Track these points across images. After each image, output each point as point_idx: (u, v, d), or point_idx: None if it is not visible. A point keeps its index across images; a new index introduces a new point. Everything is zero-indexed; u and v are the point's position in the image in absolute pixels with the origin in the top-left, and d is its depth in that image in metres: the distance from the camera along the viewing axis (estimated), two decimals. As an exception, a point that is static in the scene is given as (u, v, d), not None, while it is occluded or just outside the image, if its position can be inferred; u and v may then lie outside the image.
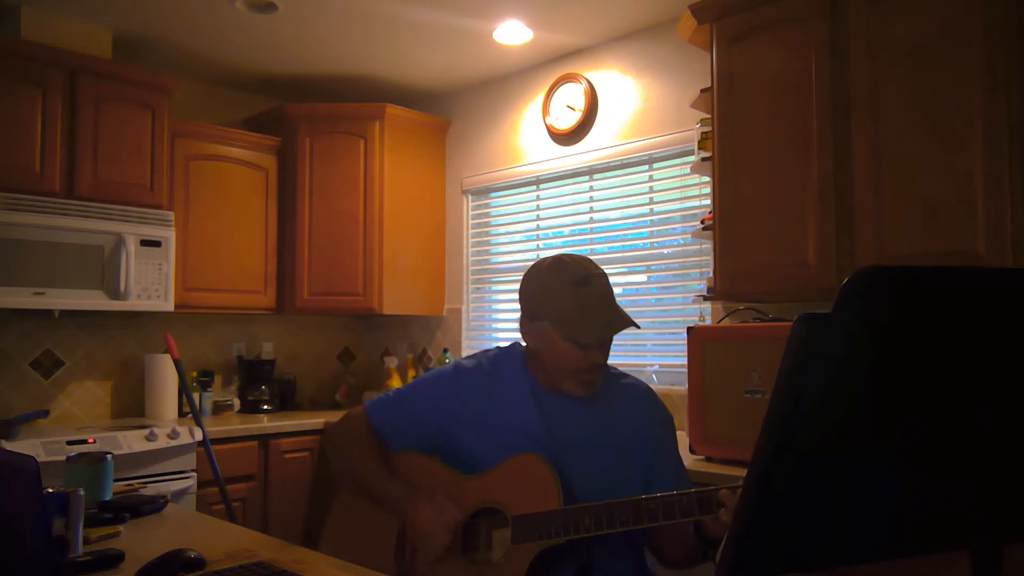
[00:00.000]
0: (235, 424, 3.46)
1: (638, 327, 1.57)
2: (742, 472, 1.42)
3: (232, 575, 1.27)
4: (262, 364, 3.96)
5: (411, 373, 4.08)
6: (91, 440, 2.89)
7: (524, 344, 1.70)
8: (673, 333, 3.22)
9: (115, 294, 3.21)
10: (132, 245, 3.24)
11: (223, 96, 4.11)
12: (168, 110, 3.44)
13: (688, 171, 3.09)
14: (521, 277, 1.68)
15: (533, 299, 1.61)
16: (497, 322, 4.03)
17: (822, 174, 2.42)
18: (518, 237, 3.93)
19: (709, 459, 2.46)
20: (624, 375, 1.72)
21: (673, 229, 3.30)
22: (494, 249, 4.06)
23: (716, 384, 2.43)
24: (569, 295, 1.54)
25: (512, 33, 3.39)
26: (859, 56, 2.35)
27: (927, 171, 2.22)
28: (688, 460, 2.39)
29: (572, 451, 1.57)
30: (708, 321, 2.99)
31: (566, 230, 3.73)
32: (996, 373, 0.76)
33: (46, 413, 3.30)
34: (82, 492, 1.37)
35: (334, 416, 3.60)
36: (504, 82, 3.95)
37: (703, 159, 2.83)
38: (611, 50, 3.50)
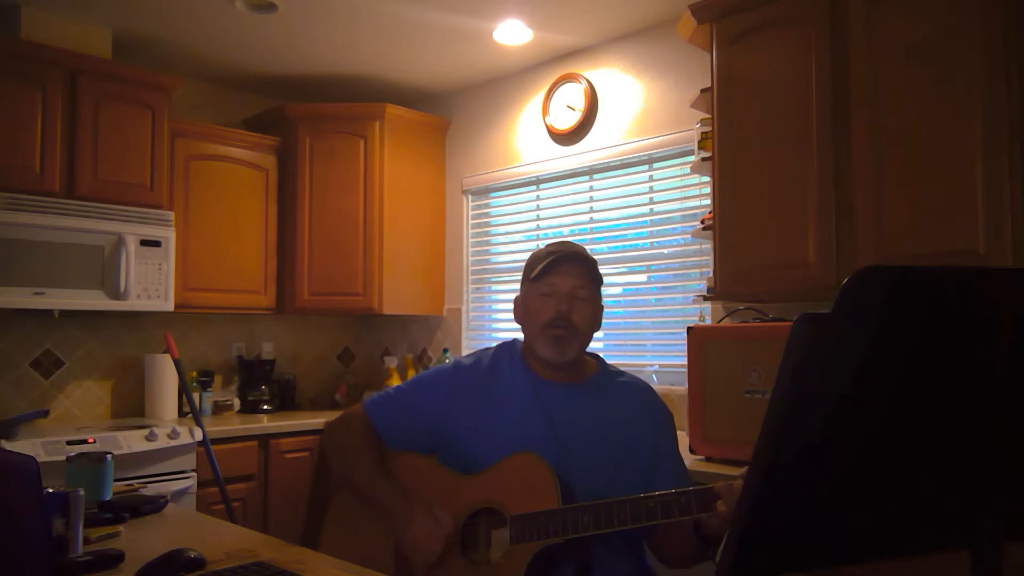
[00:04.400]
0: (235, 424, 3.45)
1: (591, 259, 1.65)
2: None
3: (232, 575, 1.27)
4: (262, 364, 3.96)
5: (411, 373, 4.07)
6: (91, 440, 2.88)
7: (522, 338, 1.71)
8: (673, 333, 3.22)
9: (115, 294, 3.21)
10: (132, 245, 3.24)
11: (223, 96, 4.11)
12: (168, 110, 3.44)
13: (688, 171, 3.09)
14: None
15: (523, 274, 1.71)
16: (497, 322, 4.03)
17: (822, 174, 2.42)
18: (518, 237, 3.93)
19: (709, 459, 2.46)
20: (622, 372, 1.73)
21: (673, 229, 3.30)
22: (494, 249, 4.06)
23: (716, 384, 2.43)
24: (543, 255, 1.65)
25: (512, 33, 3.39)
26: (859, 56, 2.35)
27: (927, 171, 2.22)
28: (688, 460, 2.39)
29: (572, 448, 1.57)
30: (708, 321, 2.99)
31: (566, 230, 3.73)
32: (995, 373, 0.76)
33: (46, 413, 3.30)
34: (82, 492, 1.37)
35: (334, 416, 3.58)
36: (504, 82, 3.95)
37: (703, 159, 2.83)
38: (611, 50, 3.50)
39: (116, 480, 1.84)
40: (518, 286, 1.73)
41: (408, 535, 1.51)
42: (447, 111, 4.24)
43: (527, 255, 4.13)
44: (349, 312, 4.07)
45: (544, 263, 1.62)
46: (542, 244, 3.73)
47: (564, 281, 1.61)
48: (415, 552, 1.50)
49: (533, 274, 1.64)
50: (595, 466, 1.56)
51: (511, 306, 1.75)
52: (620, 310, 3.39)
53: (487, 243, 4.10)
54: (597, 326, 1.67)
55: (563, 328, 1.60)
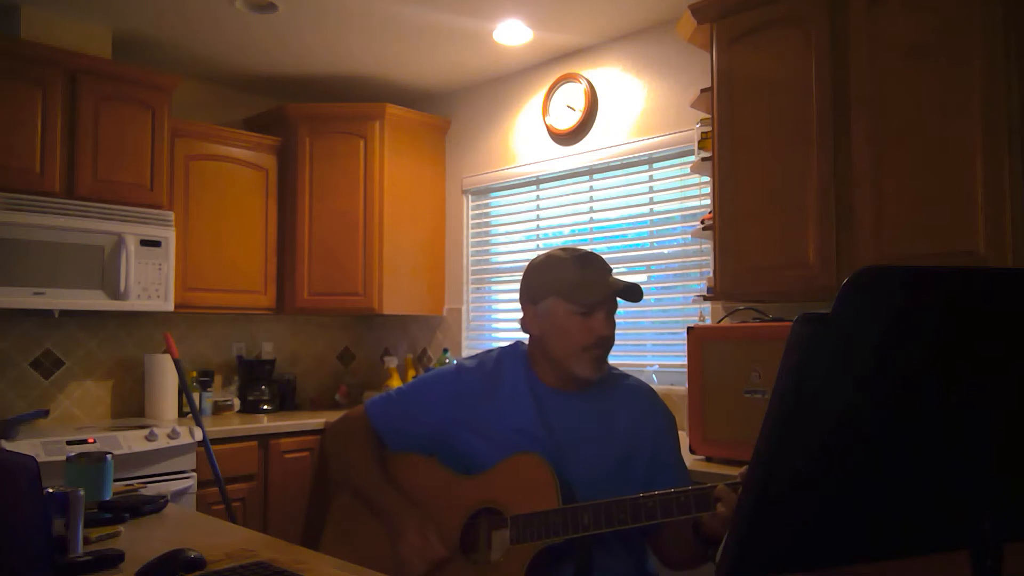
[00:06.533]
0: (235, 424, 3.45)
1: (641, 293, 1.59)
2: (742, 472, 1.42)
3: (232, 575, 1.27)
4: (262, 364, 3.96)
5: (411, 373, 4.07)
6: (91, 440, 2.88)
7: (526, 343, 1.71)
8: (673, 333, 3.22)
9: (115, 294, 3.20)
10: (132, 245, 3.24)
11: (223, 96, 4.11)
12: (168, 110, 3.44)
13: (688, 171, 3.09)
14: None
15: (536, 283, 1.64)
16: (497, 322, 4.03)
17: (822, 174, 2.42)
18: (518, 237, 3.93)
19: (709, 459, 2.46)
20: (626, 376, 1.73)
21: (673, 229, 3.30)
22: (494, 249, 4.06)
23: (716, 384, 2.43)
24: (573, 267, 1.60)
25: (512, 33, 3.39)
26: (859, 56, 2.35)
27: (927, 171, 2.22)
28: (688, 460, 2.38)
29: (572, 450, 1.57)
30: (708, 321, 2.99)
31: (566, 230, 3.73)
32: (996, 373, 0.76)
33: (46, 413, 3.30)
34: (82, 492, 1.37)
35: (334, 416, 3.59)
36: (504, 82, 3.95)
37: (703, 159, 2.83)
38: (611, 50, 3.50)
39: (116, 480, 1.84)
40: (518, 286, 1.71)
41: (397, 551, 1.52)
42: (447, 111, 4.24)
43: (527, 255, 4.09)
44: (349, 312, 4.07)
45: (596, 295, 1.56)
46: (542, 244, 3.77)
47: (600, 301, 1.59)
48: (404, 570, 1.52)
49: (575, 296, 1.57)
50: (595, 469, 1.56)
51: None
52: (620, 310, 3.37)
53: (487, 243, 4.10)
54: None
55: (604, 349, 1.60)
